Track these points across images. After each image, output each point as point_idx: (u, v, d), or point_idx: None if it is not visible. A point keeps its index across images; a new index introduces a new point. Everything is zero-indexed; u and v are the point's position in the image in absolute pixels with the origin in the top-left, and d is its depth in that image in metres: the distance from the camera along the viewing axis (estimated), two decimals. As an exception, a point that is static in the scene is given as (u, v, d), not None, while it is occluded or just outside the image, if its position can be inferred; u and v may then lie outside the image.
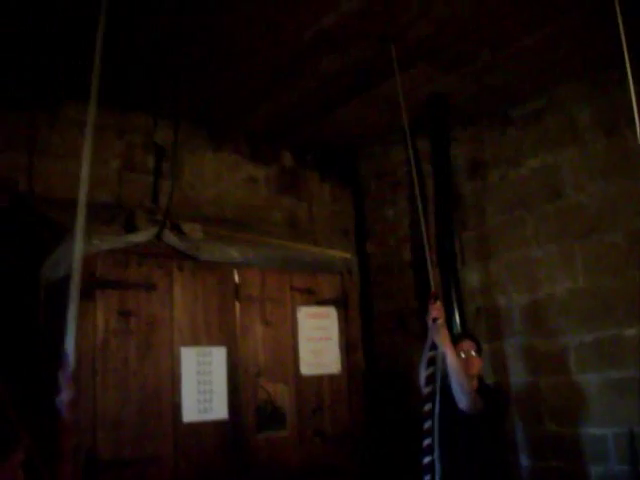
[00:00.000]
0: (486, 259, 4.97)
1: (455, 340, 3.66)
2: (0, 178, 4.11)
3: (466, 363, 3.58)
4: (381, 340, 5.33)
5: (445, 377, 3.47)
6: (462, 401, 3.38)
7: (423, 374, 3.52)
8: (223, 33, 3.76)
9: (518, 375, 4.66)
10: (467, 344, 3.71)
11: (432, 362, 3.48)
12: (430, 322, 3.50)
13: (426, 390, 3.46)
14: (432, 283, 3.63)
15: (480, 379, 3.71)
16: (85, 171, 2.53)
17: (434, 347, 3.48)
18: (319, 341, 4.01)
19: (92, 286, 3.22)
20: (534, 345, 4.60)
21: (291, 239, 4.58)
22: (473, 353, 3.67)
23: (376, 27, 3.75)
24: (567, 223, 4.51)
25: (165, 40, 3.71)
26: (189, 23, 3.59)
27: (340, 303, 4.16)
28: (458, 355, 3.52)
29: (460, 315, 4.52)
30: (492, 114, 4.99)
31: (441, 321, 3.49)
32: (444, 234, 4.72)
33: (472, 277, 5.02)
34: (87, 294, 3.18)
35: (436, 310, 3.49)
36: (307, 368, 3.91)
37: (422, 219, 3.83)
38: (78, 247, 2.37)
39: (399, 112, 3.96)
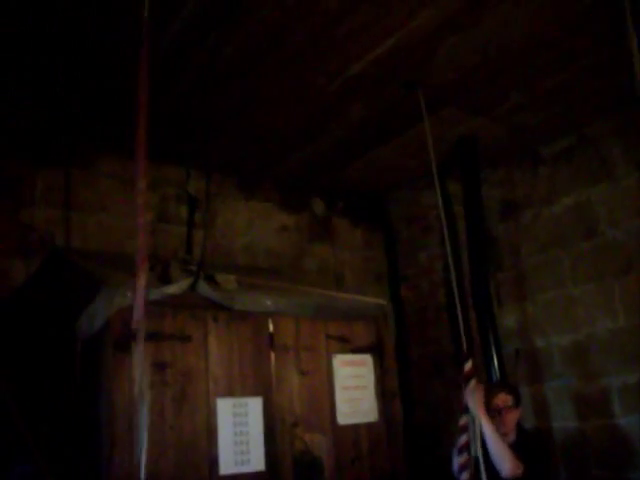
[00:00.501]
0: (523, 300, 4.90)
1: (489, 394, 3.57)
2: (38, 232, 4.21)
3: (501, 421, 3.47)
4: (418, 387, 5.25)
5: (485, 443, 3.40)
6: (503, 470, 3.29)
7: (456, 461, 3.45)
8: (253, 86, 3.84)
9: (560, 419, 4.55)
10: (501, 398, 3.56)
11: (464, 429, 3.42)
12: (463, 385, 3.44)
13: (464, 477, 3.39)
14: (464, 340, 3.56)
15: (519, 427, 3.59)
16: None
17: (467, 410, 3.41)
18: (355, 389, 3.94)
19: (128, 338, 3.22)
20: (576, 387, 4.49)
21: (324, 286, 4.56)
22: (510, 403, 3.54)
23: (402, 74, 3.79)
24: (604, 261, 4.43)
25: (197, 95, 3.79)
26: (220, 77, 3.67)
27: (376, 350, 4.11)
28: (492, 415, 3.43)
29: (498, 358, 4.43)
30: (522, 153, 4.98)
31: (474, 382, 3.42)
32: (479, 276, 4.67)
33: (509, 319, 4.95)
34: (122, 347, 3.18)
35: (468, 370, 3.43)
36: (344, 417, 3.85)
37: (451, 262, 3.79)
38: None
39: (428, 156, 3.97)
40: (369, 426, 3.96)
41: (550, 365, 4.66)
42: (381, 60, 3.61)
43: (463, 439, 3.41)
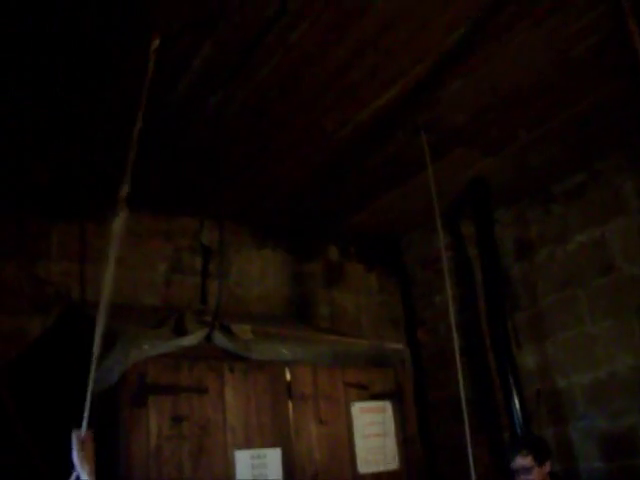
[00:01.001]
0: (541, 340, 4.83)
1: (508, 456, 3.49)
2: (54, 286, 4.23)
3: None
4: (438, 431, 5.16)
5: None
6: None
7: None
8: (263, 136, 3.89)
9: (586, 460, 4.43)
10: (520, 461, 3.43)
11: None
12: None
13: None
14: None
15: (551, 476, 3.50)
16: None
17: None
18: (376, 437, 3.88)
19: (144, 392, 3.21)
20: (600, 427, 4.39)
21: (340, 333, 4.54)
22: (529, 464, 3.41)
23: (410, 118, 3.83)
24: (622, 297, 4.38)
25: (208, 146, 3.84)
26: (230, 128, 3.72)
27: (395, 396, 4.05)
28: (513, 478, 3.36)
29: (519, 400, 4.35)
30: (534, 192, 4.97)
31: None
32: (496, 317, 4.63)
33: (528, 359, 4.87)
34: (139, 400, 3.17)
35: None
36: (365, 466, 3.78)
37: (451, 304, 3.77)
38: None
39: (440, 199, 3.98)
40: (391, 474, 3.89)
41: (573, 405, 4.58)
42: (388, 106, 3.66)
43: None
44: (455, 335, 3.68)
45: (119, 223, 2.63)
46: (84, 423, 2.48)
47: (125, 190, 2.61)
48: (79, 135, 3.73)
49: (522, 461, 3.43)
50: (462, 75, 3.44)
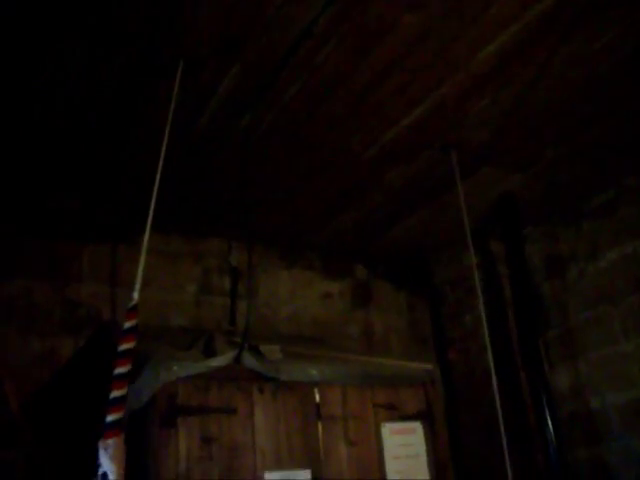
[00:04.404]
0: (574, 359, 4.76)
1: None
2: (85, 308, 4.29)
3: None
4: (471, 454, 5.08)
5: None
6: None
7: None
8: (290, 158, 3.91)
9: (623, 483, 4.33)
10: None
11: None
12: None
13: None
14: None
15: None
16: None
17: None
18: (406, 459, 3.83)
19: (174, 413, 3.22)
20: (637, 449, 4.29)
21: (369, 353, 4.52)
22: None
23: (436, 137, 3.83)
24: (655, 314, 4.30)
25: (236, 169, 3.87)
26: (257, 152, 3.75)
27: (425, 417, 4.01)
28: None
29: (553, 422, 4.28)
30: (564, 209, 4.92)
31: None
32: (527, 336, 4.57)
33: (561, 379, 4.79)
34: (169, 422, 3.18)
35: None
36: (396, 488, 3.74)
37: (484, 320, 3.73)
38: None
39: (468, 217, 3.96)
40: (422, 496, 3.84)
41: (608, 426, 4.48)
42: (414, 125, 3.65)
43: None
44: (490, 355, 3.64)
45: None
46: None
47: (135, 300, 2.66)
48: (109, 160, 3.80)
49: None
50: (489, 92, 3.43)
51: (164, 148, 2.85)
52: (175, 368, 3.25)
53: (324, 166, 4.05)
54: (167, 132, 2.90)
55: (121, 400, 2.49)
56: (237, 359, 3.44)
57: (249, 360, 3.48)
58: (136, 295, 2.64)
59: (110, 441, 2.43)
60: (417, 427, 3.96)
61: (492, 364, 3.55)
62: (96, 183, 4.05)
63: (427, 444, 3.97)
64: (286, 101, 3.33)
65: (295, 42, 2.91)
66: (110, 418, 2.47)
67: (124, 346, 2.57)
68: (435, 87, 3.34)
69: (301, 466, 3.48)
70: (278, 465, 3.42)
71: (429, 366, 4.27)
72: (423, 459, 3.90)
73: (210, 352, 3.48)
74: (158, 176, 2.78)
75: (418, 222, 5.01)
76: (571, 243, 4.91)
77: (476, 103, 3.51)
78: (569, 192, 4.70)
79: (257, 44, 2.91)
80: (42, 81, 3.03)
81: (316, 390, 3.67)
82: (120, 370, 2.55)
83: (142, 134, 3.52)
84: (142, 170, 3.85)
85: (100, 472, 2.42)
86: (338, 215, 4.78)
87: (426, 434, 3.99)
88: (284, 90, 3.25)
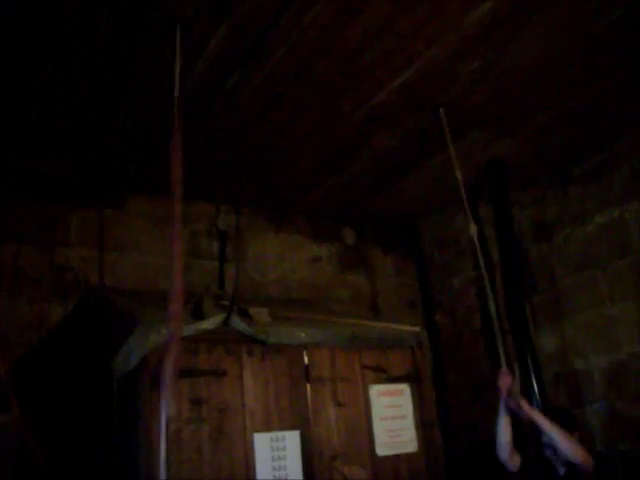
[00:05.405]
0: (559, 322, 4.81)
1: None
2: (73, 273, 4.28)
3: None
4: (457, 414, 5.16)
5: (541, 448, 3.34)
6: (577, 454, 3.21)
7: (503, 442, 3.41)
8: (279, 120, 3.88)
9: (604, 444, 4.41)
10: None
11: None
12: (503, 394, 3.40)
13: (513, 464, 3.38)
14: (502, 358, 3.56)
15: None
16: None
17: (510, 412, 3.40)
18: (394, 420, 3.89)
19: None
20: (619, 410, 4.36)
21: (358, 316, 4.54)
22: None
23: (426, 99, 3.80)
24: (642, 278, 4.34)
25: (224, 131, 3.84)
26: (245, 113, 3.72)
27: (413, 379, 4.06)
28: None
29: (538, 383, 4.34)
30: (552, 174, 4.93)
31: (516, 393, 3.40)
32: (514, 299, 4.61)
33: (546, 342, 4.86)
34: (158, 384, 3.19)
35: (508, 381, 3.40)
36: (383, 448, 3.79)
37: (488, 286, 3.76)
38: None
39: (457, 180, 3.95)
40: (409, 457, 3.90)
41: (591, 388, 4.55)
42: (404, 87, 3.63)
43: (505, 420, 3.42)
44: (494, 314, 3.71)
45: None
46: None
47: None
48: (98, 123, 3.74)
49: None
50: (480, 54, 3.40)
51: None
52: (164, 331, 3.25)
53: (313, 129, 4.01)
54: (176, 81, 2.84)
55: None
56: (226, 322, 3.45)
57: (238, 323, 3.49)
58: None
59: None
60: (404, 389, 4.01)
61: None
62: (84, 147, 4.00)
63: (414, 405, 4.02)
64: (274, 62, 3.29)
65: (284, 2, 2.86)
66: None
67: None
68: (425, 49, 3.30)
69: (290, 427, 3.52)
70: (267, 426, 3.46)
71: (417, 329, 4.30)
72: (410, 420, 3.96)
73: (199, 315, 3.49)
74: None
75: (407, 185, 5.00)
76: (559, 207, 4.92)
77: (467, 65, 3.48)
78: (558, 157, 4.70)
79: (245, 4, 2.86)
80: (41, 48, 2.98)
81: (305, 353, 3.70)
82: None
83: (130, 97, 3.47)
84: (129, 134, 3.82)
85: None
86: (327, 178, 4.76)
87: (413, 395, 4.04)
88: (272, 51, 3.20)
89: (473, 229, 3.88)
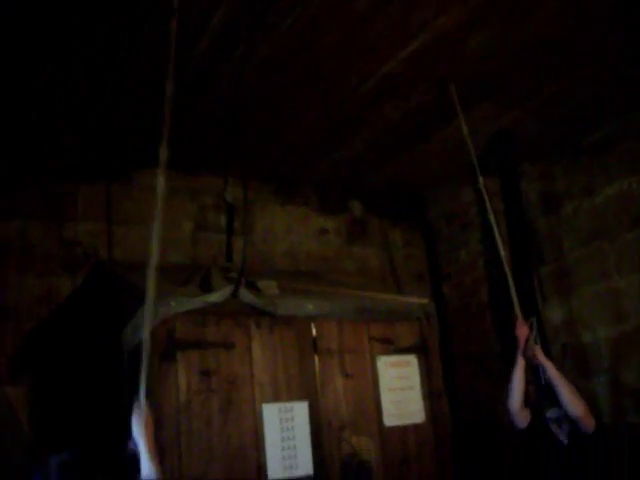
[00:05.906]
0: (567, 294, 4.81)
1: (542, 406, 3.54)
2: (81, 247, 4.29)
3: None
4: (464, 385, 5.19)
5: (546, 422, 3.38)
6: (579, 408, 3.30)
7: (517, 391, 3.51)
8: (285, 92, 3.85)
9: (610, 415, 4.43)
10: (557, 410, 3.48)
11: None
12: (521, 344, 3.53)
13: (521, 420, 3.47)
14: (517, 309, 3.72)
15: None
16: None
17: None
18: (401, 391, 3.92)
19: (172, 348, 3.27)
20: (625, 382, 4.37)
21: (365, 288, 4.55)
22: None
23: (434, 70, 3.76)
24: (650, 251, 4.33)
25: (230, 104, 3.82)
26: (251, 85, 3.69)
27: (420, 350, 4.08)
28: None
29: (545, 354, 4.34)
30: (561, 145, 4.89)
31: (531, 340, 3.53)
32: (521, 271, 4.59)
33: (554, 313, 4.86)
34: (168, 356, 3.23)
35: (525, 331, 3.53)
36: (391, 419, 3.83)
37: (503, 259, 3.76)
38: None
39: (465, 153, 3.93)
40: (416, 427, 3.94)
41: (598, 359, 4.57)
42: (412, 58, 3.59)
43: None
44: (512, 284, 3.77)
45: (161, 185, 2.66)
46: (142, 395, 2.50)
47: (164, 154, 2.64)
48: (105, 97, 3.73)
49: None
50: (488, 25, 3.35)
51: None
52: (173, 304, 3.28)
53: (320, 100, 3.99)
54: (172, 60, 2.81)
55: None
56: (234, 294, 3.47)
57: (246, 295, 3.51)
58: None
59: None
60: (412, 360, 4.03)
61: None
62: (91, 121, 3.99)
63: (421, 376, 4.05)
64: (281, 32, 3.25)
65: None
66: None
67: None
68: (433, 19, 3.26)
69: (298, 398, 3.55)
70: (276, 397, 3.50)
71: (424, 301, 4.32)
72: (417, 391, 3.99)
73: (207, 288, 3.51)
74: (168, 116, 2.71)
75: (415, 158, 4.97)
76: (567, 179, 4.89)
77: (475, 36, 3.44)
78: (567, 128, 4.66)
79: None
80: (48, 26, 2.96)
81: (313, 324, 3.72)
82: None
83: (138, 71, 3.45)
84: (136, 107, 3.80)
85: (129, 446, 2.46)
86: (334, 150, 4.74)
87: (421, 366, 4.07)
88: (278, 20, 3.16)
89: (482, 183, 3.89)
